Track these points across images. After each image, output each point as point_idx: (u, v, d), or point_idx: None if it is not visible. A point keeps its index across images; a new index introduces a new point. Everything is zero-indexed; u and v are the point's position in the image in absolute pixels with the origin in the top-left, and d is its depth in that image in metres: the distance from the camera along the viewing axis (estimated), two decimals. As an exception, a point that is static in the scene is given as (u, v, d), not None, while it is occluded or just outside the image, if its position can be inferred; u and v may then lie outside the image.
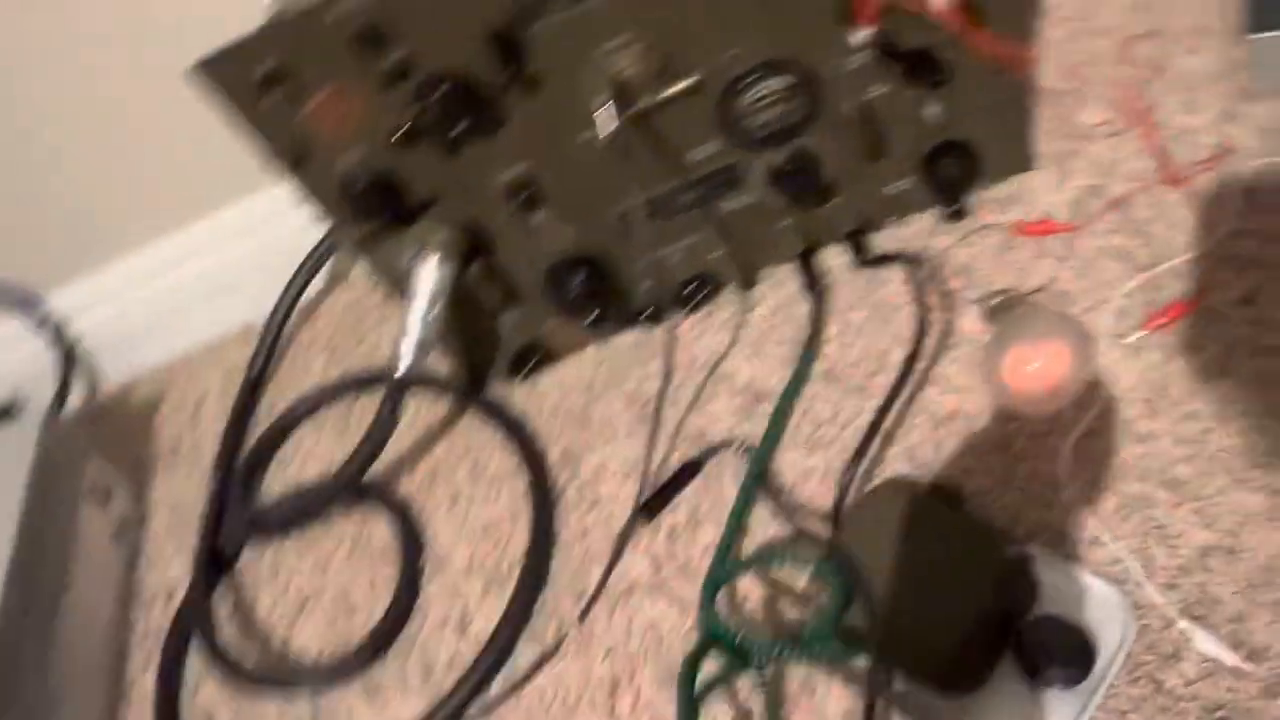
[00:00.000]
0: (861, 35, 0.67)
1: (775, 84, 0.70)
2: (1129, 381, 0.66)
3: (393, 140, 0.68)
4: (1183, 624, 0.57)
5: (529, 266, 0.79)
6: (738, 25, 0.67)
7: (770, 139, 0.73)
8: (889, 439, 0.70)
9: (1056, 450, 0.65)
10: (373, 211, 0.72)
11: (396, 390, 0.75)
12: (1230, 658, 0.55)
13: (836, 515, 0.66)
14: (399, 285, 0.75)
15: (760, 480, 0.71)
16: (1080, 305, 0.70)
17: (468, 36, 0.64)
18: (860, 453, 0.67)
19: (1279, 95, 0.73)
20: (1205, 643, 0.56)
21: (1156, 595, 0.58)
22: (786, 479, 0.72)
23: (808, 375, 0.75)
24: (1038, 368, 0.64)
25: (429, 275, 0.73)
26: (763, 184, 0.76)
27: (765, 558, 0.68)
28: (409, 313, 0.74)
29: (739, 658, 0.62)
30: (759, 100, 0.71)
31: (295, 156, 0.69)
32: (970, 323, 0.73)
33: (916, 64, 0.70)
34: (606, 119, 0.67)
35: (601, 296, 0.79)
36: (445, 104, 0.66)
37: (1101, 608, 0.58)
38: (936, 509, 0.63)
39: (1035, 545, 0.62)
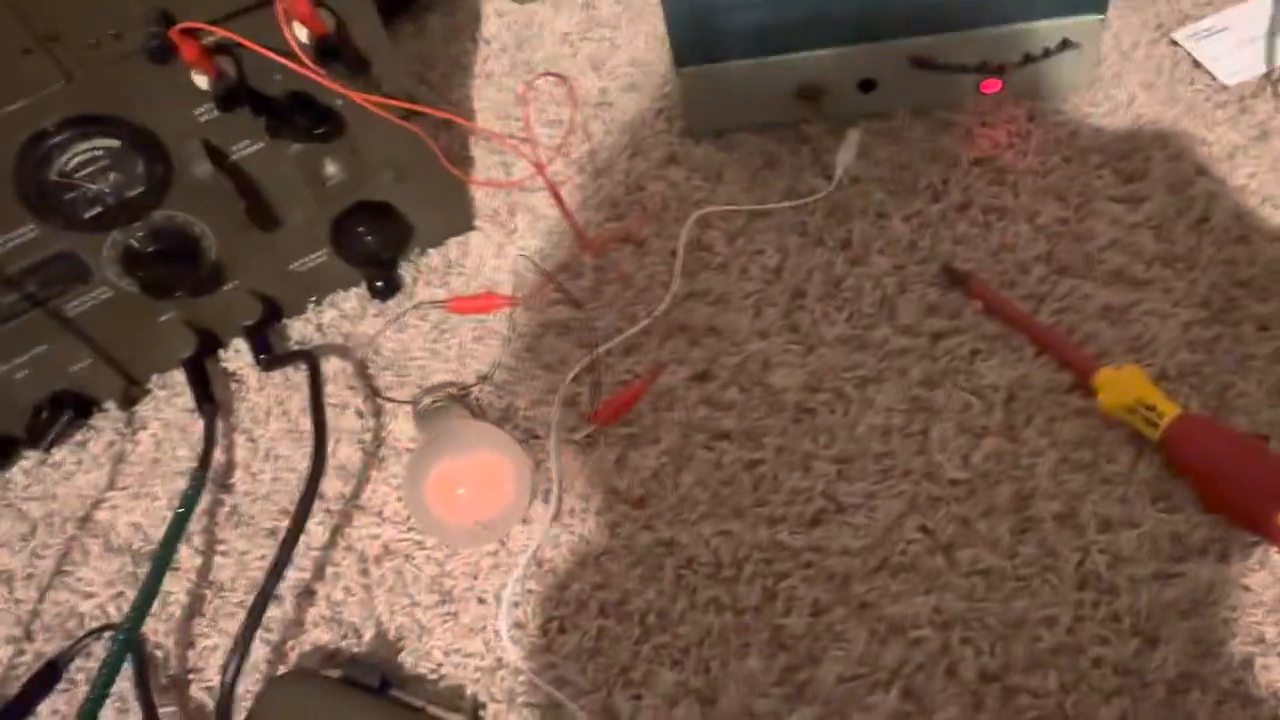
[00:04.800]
0: (202, 81, 0.51)
1: (95, 146, 0.52)
2: (580, 489, 0.55)
3: None
4: (656, 796, 0.46)
5: None
6: (14, 72, 0.48)
7: (110, 215, 0.55)
8: (308, 594, 0.55)
9: (502, 588, 0.53)
10: None
11: None
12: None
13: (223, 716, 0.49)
14: None
15: (136, 672, 0.52)
16: (526, 398, 0.58)
17: None
18: (253, 623, 0.50)
19: (714, 134, 0.66)
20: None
21: (628, 761, 0.47)
22: (180, 668, 0.54)
23: (189, 522, 0.56)
24: (466, 493, 0.52)
25: None
26: (118, 272, 0.58)
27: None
28: None
29: None
30: (76, 169, 0.52)
31: None
32: (404, 428, 0.59)
33: (290, 114, 0.55)
34: None
35: (-101, 444, 0.56)
36: None
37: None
38: (355, 698, 0.48)
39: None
